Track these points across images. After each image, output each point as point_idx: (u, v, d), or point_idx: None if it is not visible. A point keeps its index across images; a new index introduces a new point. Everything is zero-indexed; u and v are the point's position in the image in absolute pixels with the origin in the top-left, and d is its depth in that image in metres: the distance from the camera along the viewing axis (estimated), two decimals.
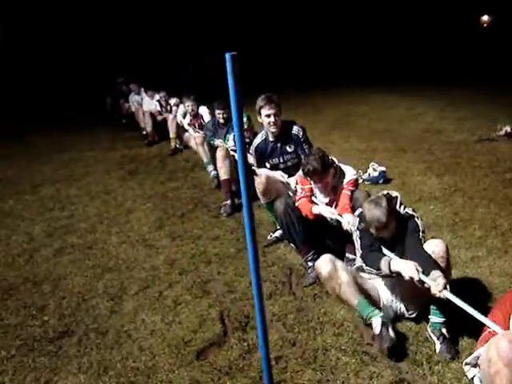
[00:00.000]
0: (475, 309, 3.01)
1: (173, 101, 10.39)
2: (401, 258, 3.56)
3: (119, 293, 4.53)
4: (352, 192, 4.56)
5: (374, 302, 3.76)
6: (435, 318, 3.62)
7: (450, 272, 3.64)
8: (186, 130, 9.11)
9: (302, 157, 5.01)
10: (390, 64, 23.00)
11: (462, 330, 3.61)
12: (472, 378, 2.97)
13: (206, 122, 7.93)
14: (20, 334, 4.01)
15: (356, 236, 3.78)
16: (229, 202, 6.23)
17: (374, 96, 14.49)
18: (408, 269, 3.31)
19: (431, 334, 3.64)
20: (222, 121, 7.20)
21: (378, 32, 33.71)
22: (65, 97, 19.54)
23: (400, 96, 14.05)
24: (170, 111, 10.29)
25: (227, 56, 1.91)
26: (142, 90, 12.48)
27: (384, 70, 20.74)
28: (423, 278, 3.26)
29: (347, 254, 4.63)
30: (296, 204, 4.68)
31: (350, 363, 3.47)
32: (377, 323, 3.55)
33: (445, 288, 3.18)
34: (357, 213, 3.85)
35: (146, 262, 5.06)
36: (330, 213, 4.45)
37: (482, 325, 2.93)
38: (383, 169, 6.87)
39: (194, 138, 7.68)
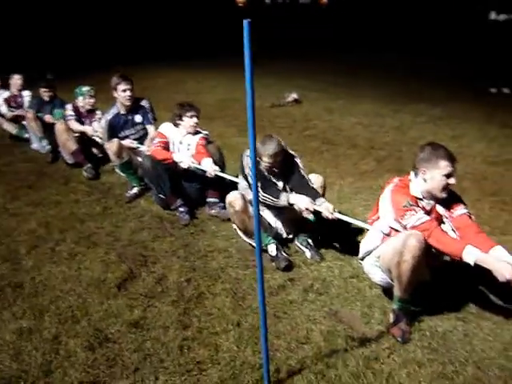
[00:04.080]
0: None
1: None
2: (287, 189, 4.47)
3: (12, 254, 4.70)
4: (204, 145, 5.36)
5: (264, 228, 4.59)
6: (303, 234, 4.63)
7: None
8: None
9: (148, 128, 6.07)
10: (179, 41, 23.20)
11: (322, 241, 4.70)
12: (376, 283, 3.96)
13: (30, 99, 8.03)
14: None
15: (248, 172, 4.52)
16: (89, 164, 6.62)
17: (165, 71, 15.08)
18: (304, 201, 4.20)
19: (300, 246, 4.64)
20: (47, 98, 7.60)
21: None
22: None
23: (189, 71, 14.90)
24: None
25: (244, 23, 2.16)
26: None
27: (173, 47, 20.84)
28: (316, 207, 4.18)
29: (208, 199, 5.41)
30: (151, 151, 5.38)
31: (247, 275, 4.29)
32: (272, 248, 4.44)
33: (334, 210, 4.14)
34: (247, 152, 4.62)
35: (21, 227, 5.23)
36: (189, 160, 5.19)
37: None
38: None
39: (26, 114, 7.69)
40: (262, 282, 2.74)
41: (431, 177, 3.50)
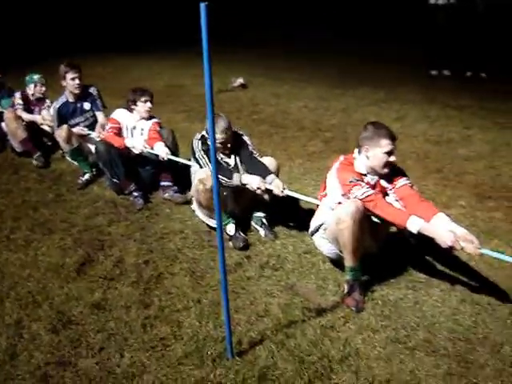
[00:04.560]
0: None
1: None
2: (239, 169, 4.60)
3: None
4: (157, 130, 5.44)
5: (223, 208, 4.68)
6: (258, 213, 4.76)
7: None
8: None
9: (97, 114, 6.12)
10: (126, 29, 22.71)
11: (275, 219, 4.86)
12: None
13: None
14: None
15: (199, 155, 4.62)
16: (39, 152, 6.56)
17: (111, 59, 14.89)
18: (255, 181, 4.33)
19: (255, 225, 4.77)
20: None
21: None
22: None
23: (136, 58, 14.76)
24: None
25: (202, 6, 2.25)
26: None
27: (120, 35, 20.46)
28: (267, 186, 4.31)
29: (162, 182, 5.49)
30: (104, 137, 5.45)
31: (204, 254, 4.42)
32: (231, 228, 4.57)
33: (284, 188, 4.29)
34: (198, 136, 4.70)
35: None
36: (142, 145, 5.25)
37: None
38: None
39: None
40: (222, 254, 2.86)
41: (373, 154, 3.70)
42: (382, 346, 3.33)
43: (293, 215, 4.90)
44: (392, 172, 3.84)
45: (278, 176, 4.54)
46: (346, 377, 3.07)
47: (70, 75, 5.89)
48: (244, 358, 3.18)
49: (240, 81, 10.48)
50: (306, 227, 4.24)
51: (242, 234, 4.59)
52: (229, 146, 4.61)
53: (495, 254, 3.49)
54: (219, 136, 4.48)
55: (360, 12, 21.99)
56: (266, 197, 4.43)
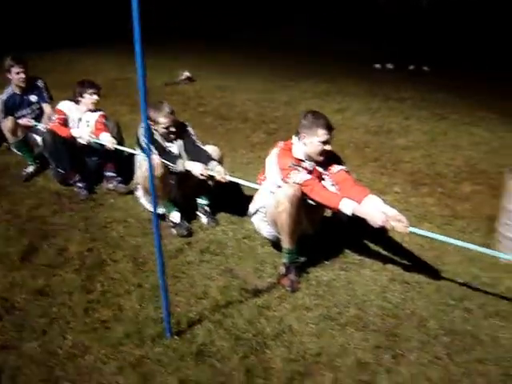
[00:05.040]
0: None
1: None
2: (182, 157, 4.71)
3: None
4: (103, 122, 5.53)
5: (169, 196, 4.83)
6: (201, 200, 4.92)
7: None
8: None
9: (44, 106, 6.17)
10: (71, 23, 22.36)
11: (217, 206, 5.02)
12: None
13: None
14: None
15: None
16: None
17: (57, 53, 14.71)
18: (198, 167, 4.46)
19: (198, 213, 4.91)
20: None
21: None
22: None
23: (81, 52, 14.65)
24: None
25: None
26: None
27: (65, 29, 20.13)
28: (209, 172, 4.45)
29: (106, 173, 5.58)
30: (50, 127, 5.47)
31: (146, 242, 4.52)
32: (176, 215, 4.71)
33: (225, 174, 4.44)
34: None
35: None
36: (88, 136, 5.34)
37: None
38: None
39: None
40: (158, 234, 3.00)
41: (310, 142, 3.90)
42: (314, 322, 3.53)
43: (234, 202, 5.05)
44: (329, 158, 4.04)
45: (221, 164, 4.68)
46: (279, 351, 3.25)
47: (15, 69, 5.92)
48: (182, 337, 3.32)
49: (187, 74, 10.60)
50: (246, 214, 4.40)
51: (185, 222, 4.71)
52: (173, 130, 4.71)
53: (422, 232, 3.75)
54: (164, 120, 4.62)
55: (308, 6, 22.27)
56: (210, 183, 4.56)
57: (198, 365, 3.11)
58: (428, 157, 6.84)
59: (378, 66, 12.97)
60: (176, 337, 3.32)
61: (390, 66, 12.94)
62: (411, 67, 12.86)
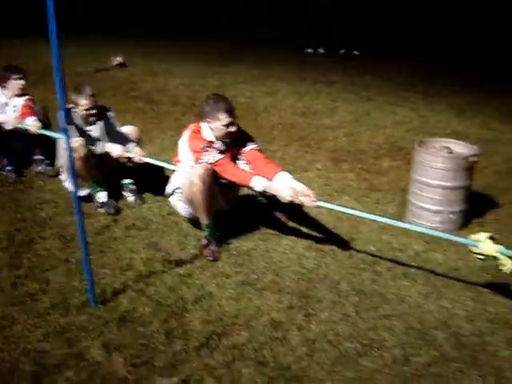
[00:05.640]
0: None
1: None
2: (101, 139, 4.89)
3: None
4: (29, 106, 5.59)
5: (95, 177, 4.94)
6: (126, 180, 5.09)
7: None
8: None
9: None
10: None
11: (142, 185, 5.20)
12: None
13: None
14: None
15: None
16: None
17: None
18: (117, 149, 4.68)
19: (124, 193, 5.07)
20: None
21: None
22: None
23: (16, 40, 14.29)
24: None
25: None
26: None
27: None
28: (127, 154, 4.67)
29: (35, 156, 5.66)
30: None
31: (74, 221, 4.52)
32: (102, 195, 4.86)
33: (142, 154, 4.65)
34: (70, 106, 4.90)
35: None
36: (14, 121, 5.41)
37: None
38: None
39: None
40: (79, 209, 3.17)
41: (214, 126, 4.12)
42: (233, 288, 3.76)
43: (160, 181, 5.18)
44: (241, 138, 4.28)
45: (139, 144, 4.84)
46: (198, 315, 3.47)
47: None
48: (107, 306, 3.51)
49: (119, 60, 10.64)
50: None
51: (113, 201, 4.88)
52: (93, 112, 4.86)
53: (328, 205, 4.03)
54: (85, 102, 4.77)
55: None
56: (129, 164, 4.75)
57: (121, 329, 3.30)
58: (351, 135, 7.16)
59: (310, 50, 13.24)
60: (100, 305, 3.49)
61: (321, 50, 13.23)
62: (341, 51, 13.19)
